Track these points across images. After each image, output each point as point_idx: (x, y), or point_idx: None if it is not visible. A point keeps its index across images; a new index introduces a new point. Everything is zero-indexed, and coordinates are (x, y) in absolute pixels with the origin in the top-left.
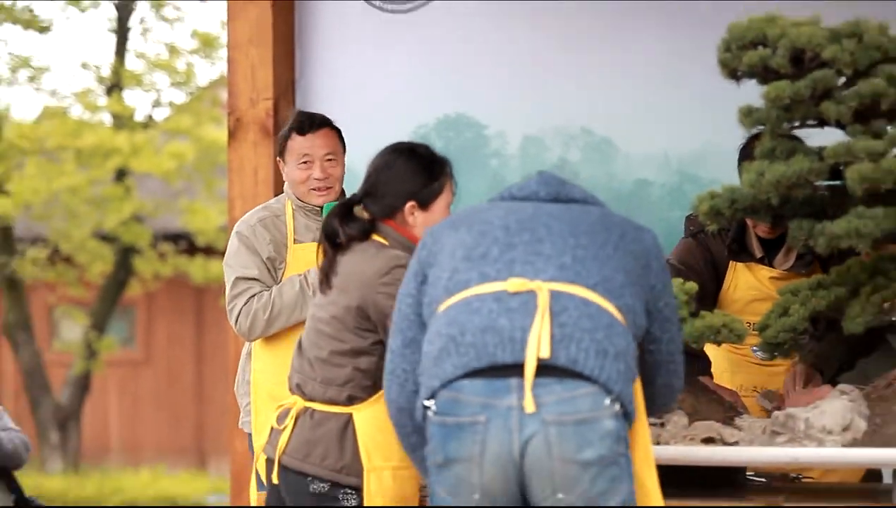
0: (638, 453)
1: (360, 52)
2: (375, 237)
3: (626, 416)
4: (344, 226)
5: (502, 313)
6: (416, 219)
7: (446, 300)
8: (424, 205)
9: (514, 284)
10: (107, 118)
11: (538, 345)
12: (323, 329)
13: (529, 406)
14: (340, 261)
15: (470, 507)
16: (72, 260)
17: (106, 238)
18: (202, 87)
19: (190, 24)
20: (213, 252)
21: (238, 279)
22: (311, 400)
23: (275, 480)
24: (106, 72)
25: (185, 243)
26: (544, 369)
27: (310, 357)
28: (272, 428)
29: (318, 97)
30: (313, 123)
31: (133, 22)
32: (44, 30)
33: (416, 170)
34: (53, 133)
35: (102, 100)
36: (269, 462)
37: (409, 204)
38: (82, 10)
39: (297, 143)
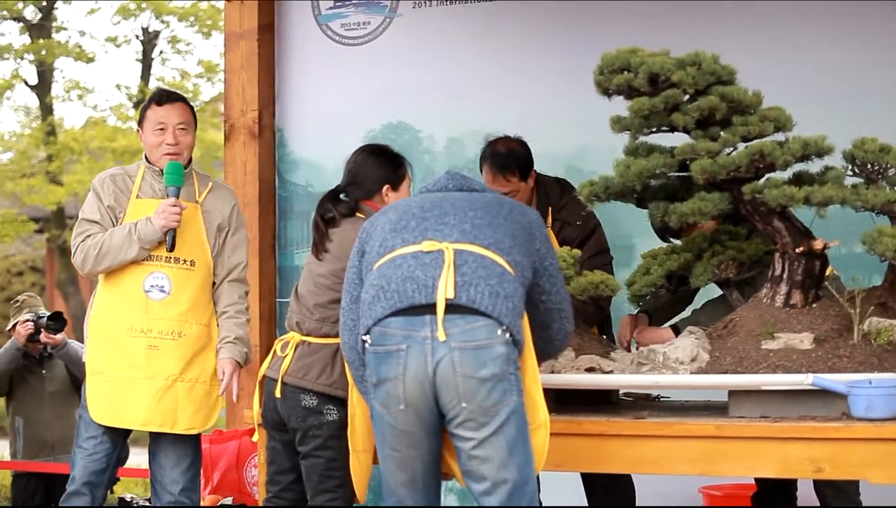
0: (527, 374)
1: (324, 75)
2: (358, 214)
3: (516, 344)
4: (335, 207)
5: (418, 267)
6: (389, 198)
7: (377, 261)
8: (396, 187)
9: (427, 245)
10: (135, 126)
11: (445, 289)
12: (321, 282)
13: (441, 335)
14: (331, 233)
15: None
16: None
17: None
18: (205, 102)
19: (197, 54)
20: None
21: (82, 220)
22: (307, 334)
23: (277, 394)
24: (134, 91)
25: None
26: (450, 307)
27: (308, 303)
28: (275, 355)
29: (292, 108)
30: (170, 97)
31: (155, 53)
32: (89, 60)
33: (387, 162)
34: (96, 137)
35: (132, 112)
36: (272, 381)
37: (385, 186)
38: (118, 46)
39: (155, 113)
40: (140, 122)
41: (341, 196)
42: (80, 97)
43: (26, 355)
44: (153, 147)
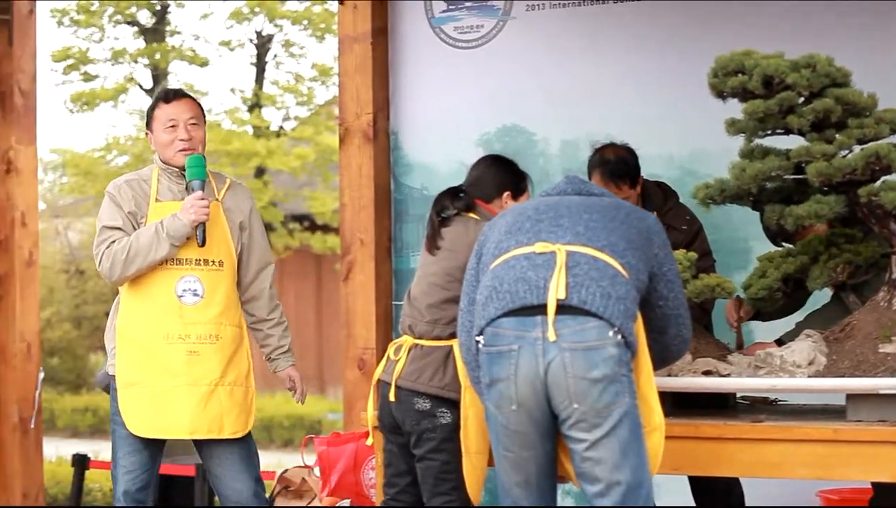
0: (641, 376)
1: (438, 77)
2: (472, 214)
3: (628, 345)
4: (452, 203)
5: (530, 268)
6: (507, 205)
7: (492, 262)
8: (515, 195)
9: (540, 246)
10: (249, 129)
11: (556, 290)
12: (433, 281)
13: (552, 336)
14: (444, 231)
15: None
16: None
17: None
18: (320, 105)
19: (311, 58)
20: (329, 229)
21: (104, 228)
22: (419, 337)
23: (392, 398)
24: (249, 94)
25: (308, 222)
26: (562, 308)
27: (420, 304)
28: (388, 359)
29: (406, 111)
30: (177, 93)
31: (269, 57)
32: (203, 64)
33: (511, 171)
34: (210, 141)
35: (246, 116)
36: (386, 385)
37: (506, 193)
38: (231, 50)
39: (164, 111)
40: (148, 124)
41: (460, 194)
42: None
43: None
44: (166, 145)
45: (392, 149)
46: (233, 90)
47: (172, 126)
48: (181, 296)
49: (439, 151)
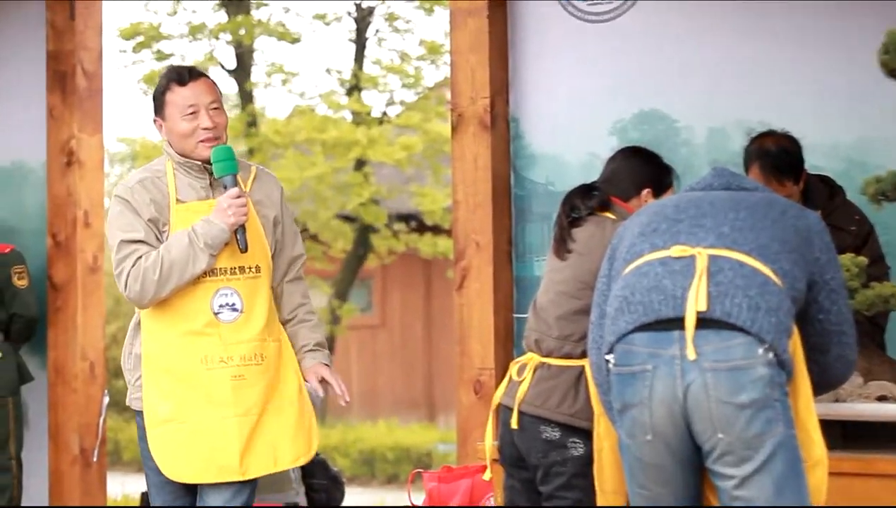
0: (800, 401)
1: (564, 55)
2: (607, 214)
3: (782, 365)
4: (584, 201)
5: (666, 275)
6: (647, 203)
7: (624, 269)
8: (657, 193)
9: (677, 250)
10: (347, 115)
11: (696, 301)
12: (563, 289)
13: (691, 354)
14: (574, 232)
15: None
16: (318, 238)
17: (347, 218)
18: (429, 88)
19: (418, 34)
20: (440, 230)
21: (123, 242)
22: (547, 355)
23: (514, 425)
24: (347, 76)
25: (416, 222)
26: (702, 322)
27: (548, 316)
28: (510, 380)
29: (529, 95)
30: (193, 73)
31: (370, 33)
32: (294, 41)
33: (653, 165)
34: (303, 128)
35: (344, 100)
36: (507, 410)
37: (646, 190)
38: (327, 24)
39: (180, 95)
40: (158, 110)
41: (593, 192)
42: (285, 82)
43: None
44: (185, 136)
45: (512, 138)
46: (329, 71)
47: (192, 112)
48: (218, 313)
49: (567, 141)
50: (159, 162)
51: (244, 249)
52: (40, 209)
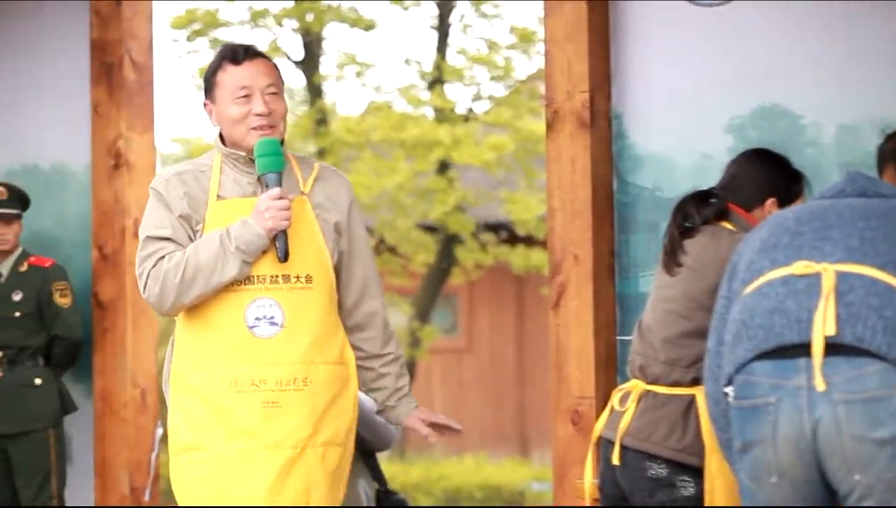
0: None
1: (674, 44)
2: (724, 223)
3: None
4: (699, 210)
5: (789, 295)
6: (771, 214)
7: (743, 289)
8: (784, 202)
9: (801, 267)
10: (429, 112)
11: (824, 324)
12: (671, 307)
13: (820, 384)
14: (686, 244)
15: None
16: (396, 251)
17: (429, 228)
18: (520, 81)
19: (508, 20)
20: (533, 241)
21: (148, 239)
22: (653, 382)
23: (616, 461)
24: (428, 67)
25: (506, 233)
26: (831, 348)
27: (654, 338)
28: (612, 410)
29: (634, 89)
30: (249, 51)
31: (453, 19)
32: (368, 28)
33: (780, 171)
34: (378, 127)
35: (425, 95)
36: (609, 444)
37: (770, 199)
38: (405, 9)
39: (232, 75)
40: (209, 92)
41: (710, 199)
42: (358, 75)
43: None
44: (236, 122)
45: (614, 137)
46: (408, 62)
47: (245, 95)
48: (253, 327)
49: (676, 140)
50: (207, 155)
51: (283, 258)
52: (84, 218)
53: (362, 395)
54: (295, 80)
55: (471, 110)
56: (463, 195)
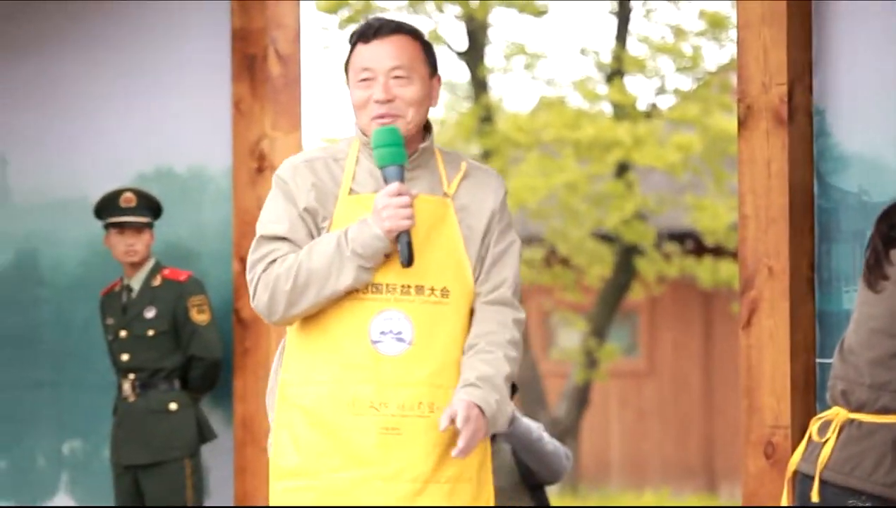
0: None
1: (887, 29)
2: None
3: None
4: None
5: None
6: None
7: None
8: None
9: None
10: (607, 107)
11: None
12: (876, 326)
13: None
14: (893, 255)
15: None
16: (569, 263)
17: (606, 237)
18: (710, 72)
19: (696, 3)
20: (723, 253)
21: (262, 239)
22: (857, 409)
23: (815, 498)
24: (606, 57)
25: (692, 243)
26: None
27: (858, 360)
28: (810, 441)
29: (838, 81)
30: (382, 28)
31: (635, 3)
32: (539, 13)
33: None
34: (550, 124)
35: (602, 89)
36: (806, 479)
37: None
38: None
39: (358, 55)
40: (346, 72)
41: None
42: (528, 67)
43: None
44: (358, 108)
45: (816, 135)
46: (584, 52)
47: (367, 78)
48: (377, 342)
49: (886, 139)
50: (347, 140)
51: (407, 263)
52: (224, 226)
53: (528, 421)
54: (458, 72)
55: (654, 106)
56: (643, 201)
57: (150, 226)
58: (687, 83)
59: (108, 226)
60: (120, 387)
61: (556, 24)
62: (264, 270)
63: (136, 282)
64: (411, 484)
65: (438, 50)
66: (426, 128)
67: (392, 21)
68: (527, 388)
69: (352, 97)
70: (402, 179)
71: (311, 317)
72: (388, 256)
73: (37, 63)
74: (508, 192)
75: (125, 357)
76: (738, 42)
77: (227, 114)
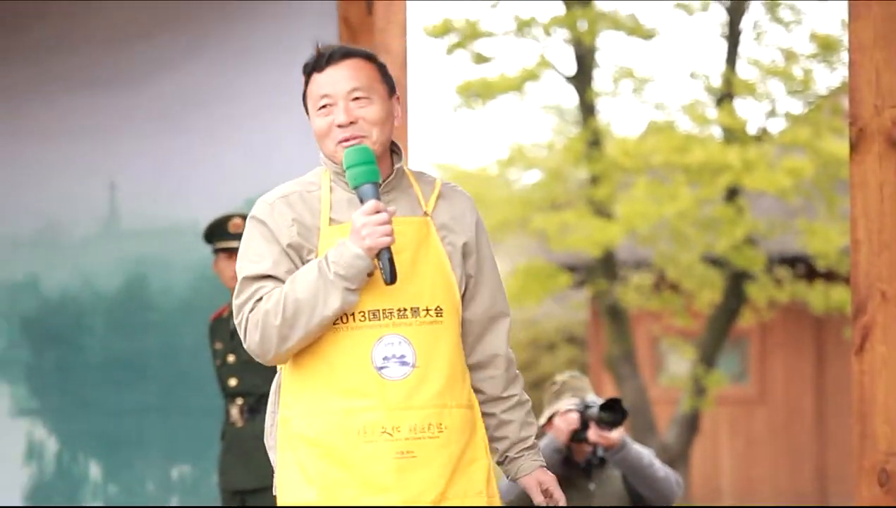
0: None
1: None
2: None
3: None
4: None
5: None
6: None
7: None
8: None
9: None
10: (717, 131)
11: None
12: None
13: None
14: None
15: None
16: (678, 288)
17: (715, 262)
18: (821, 95)
19: (808, 25)
20: (835, 277)
21: (245, 279)
22: None
23: None
24: (716, 81)
25: (803, 267)
26: None
27: None
28: None
29: None
30: (334, 55)
31: (745, 25)
32: (648, 37)
33: None
34: (659, 149)
35: (712, 113)
36: None
37: None
38: (690, 14)
39: (315, 84)
40: (305, 105)
41: None
42: (636, 91)
43: (567, 460)
44: (322, 136)
45: None
46: (693, 75)
47: (326, 105)
48: (382, 368)
49: None
50: (314, 173)
51: (390, 280)
52: None
53: (638, 447)
54: (566, 97)
55: (764, 130)
56: (754, 225)
57: None
58: (798, 106)
59: (217, 251)
60: (228, 412)
61: (664, 48)
62: (251, 310)
63: None
64: (432, 504)
65: (547, 74)
66: (392, 149)
67: (342, 46)
68: (636, 414)
69: (314, 126)
70: (377, 197)
71: (307, 351)
72: (373, 278)
73: (146, 90)
74: (619, 218)
75: (233, 382)
76: (849, 65)
77: None
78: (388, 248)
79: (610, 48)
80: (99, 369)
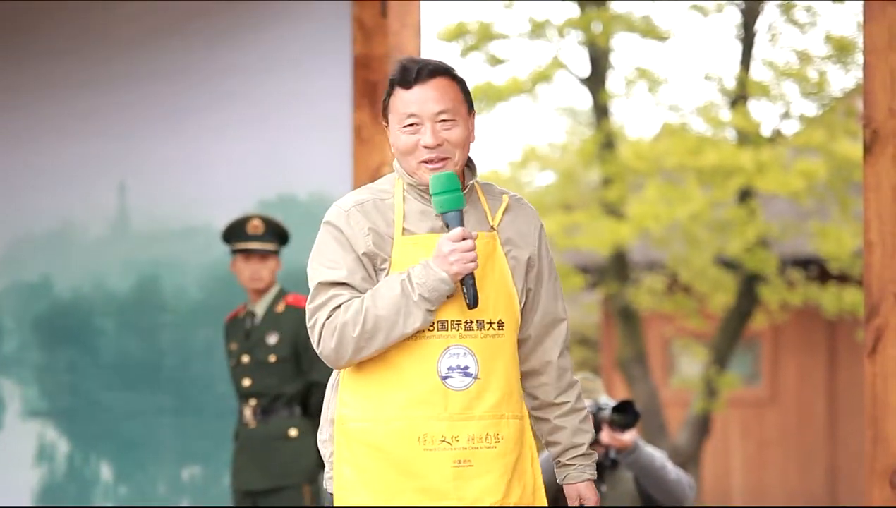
0: None
1: None
2: None
3: None
4: None
5: None
6: None
7: None
8: None
9: None
10: (730, 133)
11: None
12: None
13: None
14: None
15: None
16: (690, 290)
17: (728, 265)
18: (835, 97)
19: (823, 27)
20: (848, 279)
21: (321, 285)
22: None
23: None
24: (730, 83)
25: (816, 270)
26: None
27: None
28: None
29: None
30: (422, 72)
31: (760, 27)
32: (662, 39)
33: None
34: (672, 151)
35: (726, 114)
36: None
37: None
38: (705, 16)
39: (401, 100)
40: (384, 114)
41: None
42: (651, 93)
43: None
44: (405, 153)
45: None
46: (707, 77)
47: (413, 124)
48: (446, 378)
49: None
50: (387, 180)
51: (472, 304)
52: None
53: (651, 449)
54: (579, 99)
55: (778, 131)
56: (766, 227)
57: (276, 253)
58: (812, 108)
59: (234, 252)
60: (241, 413)
61: (679, 50)
62: (328, 317)
63: (260, 308)
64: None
65: (560, 75)
66: (468, 164)
67: (429, 63)
68: (648, 416)
69: (396, 141)
70: (462, 223)
71: (372, 359)
72: (450, 297)
73: (159, 91)
74: (631, 218)
75: (247, 382)
76: (864, 67)
77: (349, 141)
78: (472, 274)
79: (624, 50)
80: (110, 370)
